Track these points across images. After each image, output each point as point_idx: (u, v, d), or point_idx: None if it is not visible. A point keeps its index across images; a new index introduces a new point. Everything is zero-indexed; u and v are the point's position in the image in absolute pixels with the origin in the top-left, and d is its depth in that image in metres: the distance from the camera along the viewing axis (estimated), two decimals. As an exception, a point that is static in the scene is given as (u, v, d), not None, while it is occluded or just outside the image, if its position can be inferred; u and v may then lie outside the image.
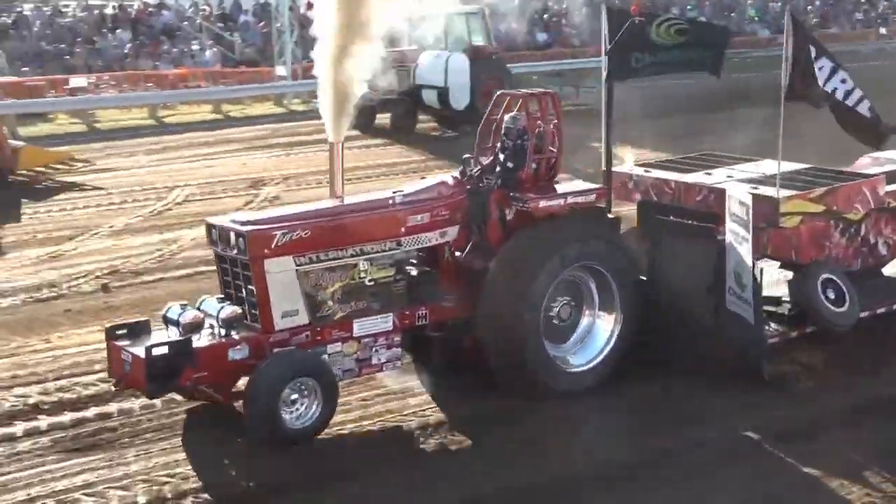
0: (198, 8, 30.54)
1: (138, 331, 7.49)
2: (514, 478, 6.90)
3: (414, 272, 8.17)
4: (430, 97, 21.34)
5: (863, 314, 9.15)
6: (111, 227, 13.69)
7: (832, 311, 8.90)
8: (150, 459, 7.08)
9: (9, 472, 6.90)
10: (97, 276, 11.34)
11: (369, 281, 7.77)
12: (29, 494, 6.58)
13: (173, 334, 7.28)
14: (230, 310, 7.34)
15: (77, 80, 23.33)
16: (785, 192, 8.97)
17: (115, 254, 12.37)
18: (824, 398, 8.31)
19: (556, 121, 8.60)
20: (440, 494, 6.76)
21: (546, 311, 8.09)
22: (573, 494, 6.77)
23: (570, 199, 8.32)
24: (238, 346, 7.21)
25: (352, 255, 7.67)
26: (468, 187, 8.44)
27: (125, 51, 26.67)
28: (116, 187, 16.13)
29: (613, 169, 10.05)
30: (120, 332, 7.45)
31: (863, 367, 8.89)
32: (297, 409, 7.14)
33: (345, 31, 7.57)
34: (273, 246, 7.31)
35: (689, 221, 8.89)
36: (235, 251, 7.37)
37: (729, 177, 9.71)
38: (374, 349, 7.79)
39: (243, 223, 7.47)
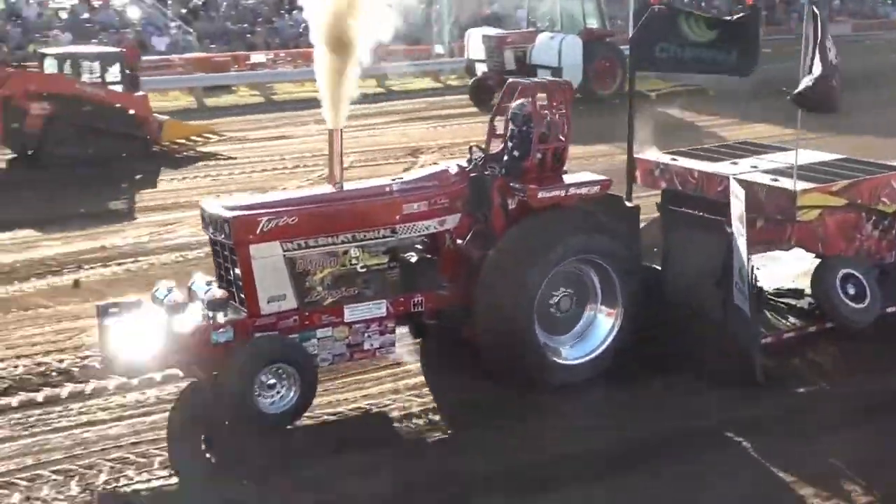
0: None
1: (130, 310, 7.63)
2: (497, 463, 6.93)
3: (413, 259, 8.13)
4: (544, 77, 22.02)
5: (890, 310, 8.82)
6: (283, 188, 14.25)
7: (850, 308, 8.60)
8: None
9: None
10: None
11: (361, 267, 7.74)
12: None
13: (160, 315, 7.40)
14: (216, 293, 7.42)
15: (257, 57, 26.88)
16: (804, 185, 8.69)
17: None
18: (827, 396, 8.08)
19: (564, 111, 8.38)
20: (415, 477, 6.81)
21: (543, 303, 7.98)
22: (563, 481, 6.73)
23: (573, 191, 8.16)
24: (222, 329, 7.26)
25: (343, 242, 7.65)
26: (473, 175, 8.35)
27: (300, 30, 28.46)
28: (290, 154, 17.72)
29: (642, 156, 9.96)
30: (112, 310, 7.60)
31: (873, 365, 8.52)
32: (274, 395, 7.20)
33: (338, 22, 7.53)
34: (258, 231, 7.33)
35: (700, 213, 8.68)
36: (223, 236, 7.45)
37: (754, 167, 9.42)
38: (366, 335, 7.78)
39: (231, 208, 7.53)
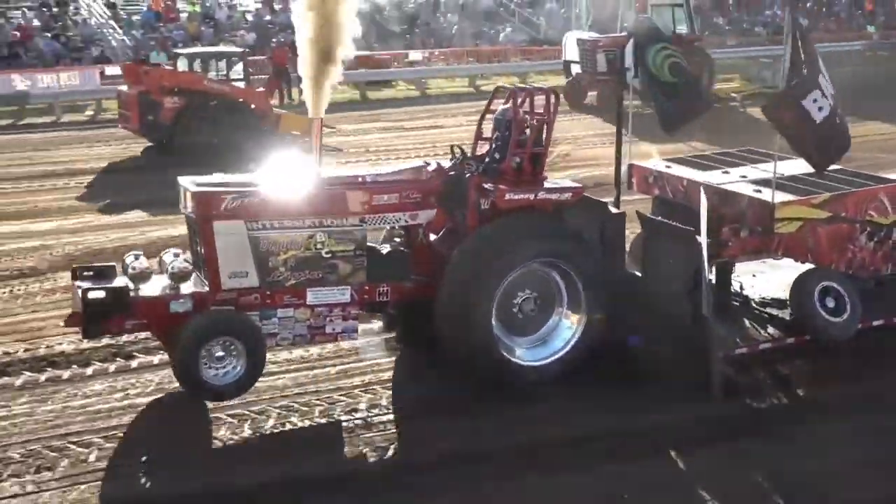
0: None
1: (103, 274, 7.97)
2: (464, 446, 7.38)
3: (384, 250, 8.43)
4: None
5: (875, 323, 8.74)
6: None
7: (827, 321, 8.49)
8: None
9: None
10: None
11: (326, 253, 8.03)
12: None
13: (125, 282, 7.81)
14: (180, 265, 7.95)
15: (414, 55, 30.33)
16: (785, 197, 8.62)
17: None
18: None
19: (547, 118, 8.48)
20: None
21: (505, 303, 8.16)
22: (536, 461, 7.14)
23: (542, 195, 8.28)
24: (181, 300, 7.76)
25: (309, 227, 7.96)
26: (452, 173, 8.62)
27: (452, 31, 33.51)
28: (441, 142, 18.21)
29: (638, 163, 10.08)
30: (86, 273, 8.00)
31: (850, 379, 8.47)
32: (221, 367, 7.62)
33: (318, 20, 7.90)
34: (222, 209, 7.68)
35: (671, 222, 8.73)
36: (189, 210, 8.00)
37: (743, 176, 9.37)
38: (328, 319, 8.11)
39: (200, 185, 7.98)
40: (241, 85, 20.66)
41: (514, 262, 8.08)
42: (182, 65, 20.55)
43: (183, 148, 18.87)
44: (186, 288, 7.96)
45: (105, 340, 8.81)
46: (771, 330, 8.87)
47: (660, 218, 8.99)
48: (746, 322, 9.03)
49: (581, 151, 18.91)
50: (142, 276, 7.96)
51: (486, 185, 8.29)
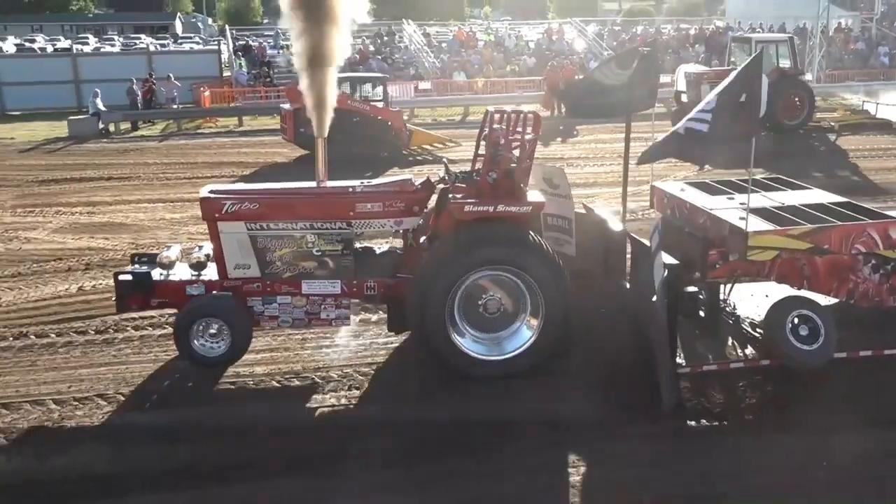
0: (753, 30, 42.55)
1: (149, 260, 9.56)
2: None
3: (377, 250, 9.50)
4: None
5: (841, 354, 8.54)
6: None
7: (795, 349, 8.41)
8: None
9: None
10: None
11: (317, 251, 9.11)
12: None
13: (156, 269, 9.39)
14: (197, 256, 9.37)
15: None
16: (762, 226, 8.64)
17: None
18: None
19: (526, 138, 8.97)
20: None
21: (470, 301, 8.83)
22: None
23: (501, 208, 8.76)
24: (195, 285, 9.15)
25: (301, 229, 9.07)
26: (442, 187, 9.48)
27: (699, 59, 37.70)
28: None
29: (658, 184, 10.38)
30: (142, 258, 9.61)
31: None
32: (208, 342, 8.92)
33: (311, 52, 8.95)
34: (223, 212, 8.98)
35: (642, 240, 8.88)
36: (201, 213, 9.30)
37: (742, 204, 9.28)
38: (322, 306, 9.18)
39: (211, 192, 9.27)
40: (380, 105, 22.96)
41: (466, 266, 8.66)
42: None
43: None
44: (205, 275, 9.30)
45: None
46: (749, 350, 8.79)
47: (635, 235, 9.15)
48: (729, 340, 9.00)
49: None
50: (169, 265, 9.39)
51: (451, 197, 8.98)
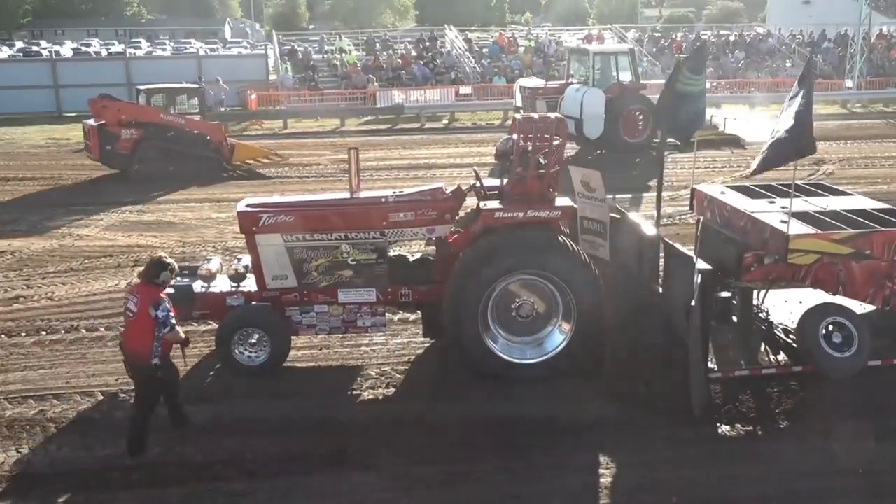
0: (794, 37, 45.08)
1: (190, 273, 9.77)
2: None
3: (411, 258, 9.63)
4: (569, 126, 23.11)
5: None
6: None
7: (828, 356, 8.42)
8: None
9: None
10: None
11: (352, 260, 9.24)
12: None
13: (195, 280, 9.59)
14: (236, 268, 9.56)
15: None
16: (803, 230, 8.66)
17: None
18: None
19: (550, 145, 8.94)
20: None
21: (502, 305, 8.95)
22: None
23: (530, 213, 8.89)
24: (235, 296, 9.34)
25: (336, 239, 9.20)
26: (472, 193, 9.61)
27: (739, 65, 39.70)
28: None
29: (699, 187, 10.47)
30: (185, 271, 9.77)
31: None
32: (249, 350, 9.09)
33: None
34: (260, 225, 9.11)
35: (675, 245, 8.89)
36: (238, 227, 9.47)
37: (783, 207, 9.31)
38: (358, 315, 9.36)
39: (247, 205, 9.43)
40: (197, 118, 21.87)
41: (498, 272, 8.76)
42: (141, 100, 21.93)
43: (139, 175, 20.46)
44: (245, 286, 9.50)
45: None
46: (782, 356, 8.83)
47: (667, 240, 9.20)
48: (762, 346, 9.05)
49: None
50: (209, 277, 9.60)
51: (480, 204, 9.10)
